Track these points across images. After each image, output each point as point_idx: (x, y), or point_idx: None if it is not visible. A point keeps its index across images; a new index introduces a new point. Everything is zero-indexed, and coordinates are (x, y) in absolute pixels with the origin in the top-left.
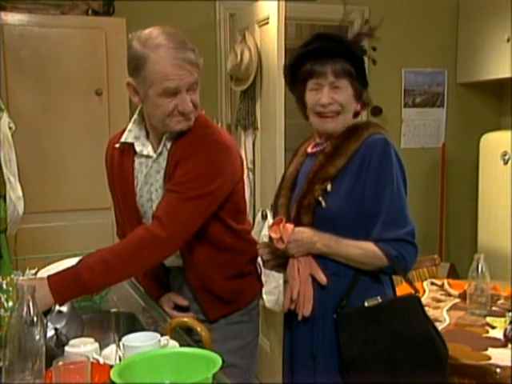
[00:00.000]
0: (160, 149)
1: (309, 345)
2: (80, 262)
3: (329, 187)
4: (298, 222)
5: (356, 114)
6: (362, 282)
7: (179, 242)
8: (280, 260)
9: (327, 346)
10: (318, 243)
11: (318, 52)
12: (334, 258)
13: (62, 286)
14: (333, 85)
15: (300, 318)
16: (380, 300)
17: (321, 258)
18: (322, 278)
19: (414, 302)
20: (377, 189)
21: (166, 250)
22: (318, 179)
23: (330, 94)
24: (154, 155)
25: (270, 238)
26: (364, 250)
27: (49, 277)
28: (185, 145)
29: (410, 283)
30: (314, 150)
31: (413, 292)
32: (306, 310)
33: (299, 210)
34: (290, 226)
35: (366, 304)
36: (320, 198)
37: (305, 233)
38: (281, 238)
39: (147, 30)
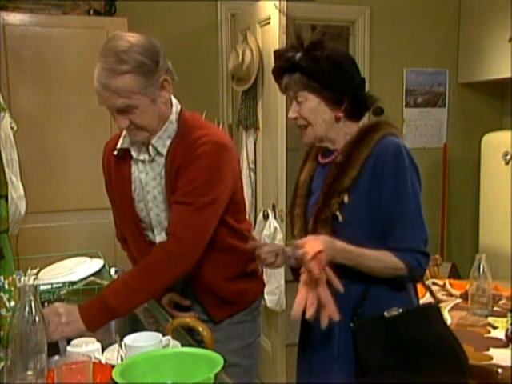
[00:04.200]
0: (152, 155)
1: (328, 353)
2: (105, 288)
3: (346, 199)
4: (315, 235)
5: (338, 120)
6: (377, 290)
7: (197, 254)
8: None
9: (346, 354)
10: (337, 257)
11: (276, 71)
12: (353, 268)
13: (91, 314)
14: (296, 99)
15: (324, 324)
16: (400, 311)
17: (337, 265)
18: (339, 285)
19: (433, 311)
20: (393, 197)
21: (185, 264)
22: (333, 192)
23: (296, 108)
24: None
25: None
26: (385, 263)
27: (79, 306)
28: (183, 149)
29: (432, 293)
30: (325, 160)
31: (432, 301)
32: (333, 313)
33: (316, 224)
34: (321, 257)
35: (385, 314)
36: (337, 213)
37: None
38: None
39: (129, 36)
